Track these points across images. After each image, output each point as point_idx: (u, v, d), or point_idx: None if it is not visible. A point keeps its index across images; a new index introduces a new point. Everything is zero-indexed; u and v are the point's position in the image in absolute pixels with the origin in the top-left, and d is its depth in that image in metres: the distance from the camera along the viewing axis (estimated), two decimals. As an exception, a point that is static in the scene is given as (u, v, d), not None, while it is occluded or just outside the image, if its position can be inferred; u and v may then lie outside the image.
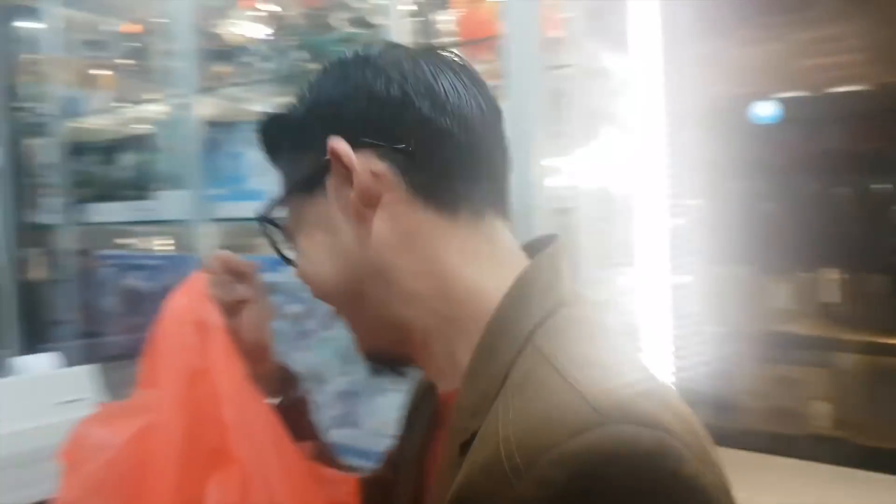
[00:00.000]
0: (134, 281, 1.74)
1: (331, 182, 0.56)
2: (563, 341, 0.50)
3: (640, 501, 0.40)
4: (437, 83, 0.56)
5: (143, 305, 1.70)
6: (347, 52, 0.59)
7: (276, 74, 1.36)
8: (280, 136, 0.61)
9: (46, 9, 1.86)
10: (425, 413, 0.66)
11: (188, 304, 0.66)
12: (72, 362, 1.41)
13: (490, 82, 1.03)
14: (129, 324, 1.76)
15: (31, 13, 1.95)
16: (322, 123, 0.57)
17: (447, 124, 0.55)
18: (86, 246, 1.90)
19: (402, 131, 0.55)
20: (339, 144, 0.55)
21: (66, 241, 1.89)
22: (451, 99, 0.56)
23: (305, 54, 1.30)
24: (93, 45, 1.85)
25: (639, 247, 1.21)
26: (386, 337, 0.60)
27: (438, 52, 0.60)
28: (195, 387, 0.62)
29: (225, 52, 1.47)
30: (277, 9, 1.41)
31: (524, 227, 0.97)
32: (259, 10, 1.43)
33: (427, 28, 1.15)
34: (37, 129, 1.99)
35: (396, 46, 0.61)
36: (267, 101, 1.50)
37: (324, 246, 0.58)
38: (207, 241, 1.54)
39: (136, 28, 1.74)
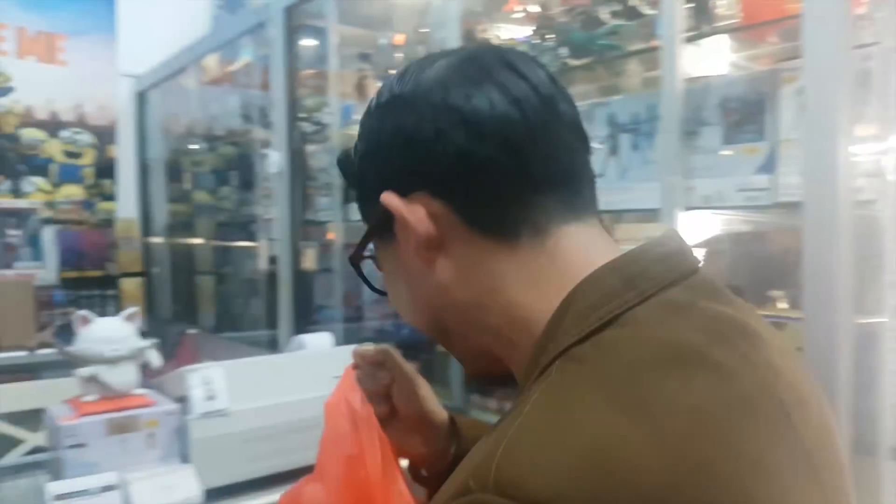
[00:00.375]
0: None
1: (397, 229, 0.56)
2: (558, 386, 0.46)
3: None
4: (470, 105, 0.52)
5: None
6: (384, 90, 0.58)
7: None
8: (348, 183, 0.63)
9: (325, 27, 2.09)
10: None
11: (342, 398, 0.76)
12: (337, 343, 1.57)
13: (768, 67, 0.96)
14: (385, 311, 1.91)
15: (310, 31, 2.21)
16: (374, 173, 0.58)
17: (487, 151, 0.52)
18: (351, 240, 2.11)
19: (444, 169, 0.53)
20: (389, 199, 0.55)
21: (336, 236, 2.11)
22: (488, 120, 0.52)
23: (566, 51, 1.32)
24: (364, 57, 2.04)
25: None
26: (481, 360, 0.61)
27: (480, 55, 0.56)
28: (352, 471, 0.70)
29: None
30: (538, 9, 1.44)
31: (823, 219, 0.90)
32: (522, 11, 1.48)
33: (702, 13, 1.10)
34: (314, 137, 2.24)
35: (430, 66, 0.56)
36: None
37: (404, 287, 0.61)
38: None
39: (401, 39, 1.88)
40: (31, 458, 1.63)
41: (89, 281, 3.25)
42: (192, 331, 3.05)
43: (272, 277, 2.62)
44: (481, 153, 0.52)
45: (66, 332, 3.13)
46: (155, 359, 1.29)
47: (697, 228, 1.15)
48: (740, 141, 1.07)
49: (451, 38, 1.56)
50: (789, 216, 1.00)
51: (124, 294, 3.21)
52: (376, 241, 0.61)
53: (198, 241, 3.28)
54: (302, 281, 2.29)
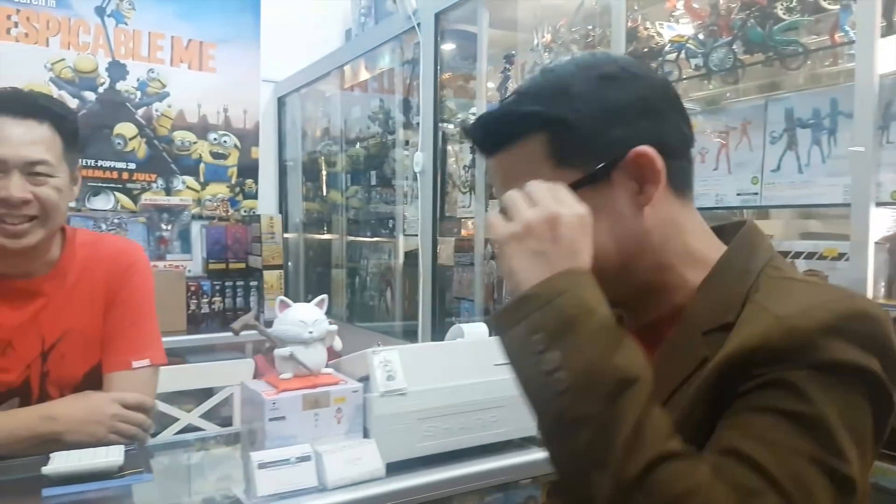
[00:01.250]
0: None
1: (618, 177, 0.71)
2: (783, 280, 0.70)
3: (876, 340, 0.61)
4: (673, 89, 0.74)
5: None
6: (607, 65, 0.74)
7: (704, 69, 1.40)
8: (566, 136, 0.72)
9: (470, 30, 2.16)
10: None
11: None
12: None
13: None
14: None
15: (454, 35, 2.29)
16: (612, 128, 0.71)
17: (682, 122, 0.74)
18: (488, 236, 2.18)
19: (671, 136, 0.72)
20: (647, 150, 0.70)
21: (475, 231, 2.18)
22: (678, 98, 0.75)
23: (738, 47, 1.32)
24: (508, 58, 2.10)
25: None
26: (624, 294, 0.74)
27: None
28: None
29: (653, 52, 1.56)
30: (704, 6, 1.45)
31: None
32: (687, 8, 1.48)
33: (892, 8, 1.08)
34: (454, 137, 2.33)
35: (623, 57, 0.80)
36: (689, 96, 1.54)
37: (605, 227, 0.71)
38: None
39: (549, 38, 1.93)
40: (180, 437, 1.79)
41: (233, 272, 3.50)
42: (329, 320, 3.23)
43: (405, 272, 2.73)
44: (684, 125, 0.75)
45: (213, 319, 3.35)
46: (338, 343, 1.40)
47: (882, 224, 1.13)
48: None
49: (617, 35, 1.59)
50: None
51: (266, 285, 3.43)
52: (587, 185, 0.71)
53: (331, 236, 3.46)
54: (440, 274, 2.38)
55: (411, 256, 2.53)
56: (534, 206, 0.67)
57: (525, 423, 1.45)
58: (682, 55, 1.49)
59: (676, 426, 0.61)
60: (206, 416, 2.15)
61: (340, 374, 1.38)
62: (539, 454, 1.35)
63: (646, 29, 1.56)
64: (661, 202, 0.71)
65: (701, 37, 1.45)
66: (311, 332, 1.31)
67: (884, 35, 1.06)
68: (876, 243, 1.09)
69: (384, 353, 1.36)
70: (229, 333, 2.83)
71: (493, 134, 0.77)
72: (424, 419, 1.35)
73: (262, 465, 1.21)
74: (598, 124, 0.71)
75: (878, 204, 1.08)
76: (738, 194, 1.35)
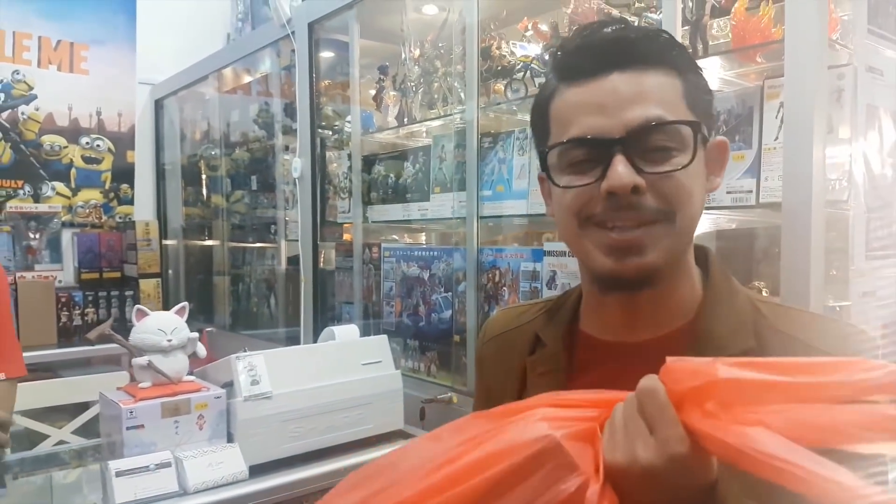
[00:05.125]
0: (409, 269, 2.02)
1: (700, 149, 0.70)
2: (779, 307, 0.76)
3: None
4: None
5: (417, 289, 1.97)
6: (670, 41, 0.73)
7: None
8: (694, 92, 0.73)
9: (345, 40, 2.21)
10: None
11: None
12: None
13: (755, 84, 1.12)
14: (404, 305, 2.04)
15: (331, 44, 2.33)
16: (713, 108, 0.76)
17: None
18: (369, 240, 2.23)
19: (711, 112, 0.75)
20: (728, 143, 0.77)
21: (354, 236, 2.23)
22: None
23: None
24: (382, 69, 2.16)
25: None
26: (679, 254, 0.73)
27: None
28: None
29: (503, 71, 1.66)
30: (546, 28, 1.57)
31: (802, 220, 1.02)
32: (535, 30, 1.60)
33: (697, 36, 1.23)
34: (334, 144, 2.36)
35: None
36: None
37: (699, 185, 0.72)
38: (475, 235, 1.75)
39: (417, 53, 2.00)
40: (48, 451, 1.73)
41: (107, 282, 3.37)
42: (209, 329, 3.17)
43: (288, 277, 2.73)
44: None
45: (86, 331, 3.21)
46: (201, 350, 1.42)
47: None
48: (731, 149, 1.20)
49: (470, 53, 1.69)
50: (771, 215, 1.13)
51: (142, 294, 3.32)
52: (701, 143, 0.72)
53: (213, 242, 3.40)
54: (321, 279, 2.41)
55: (294, 262, 2.54)
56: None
57: (391, 417, 1.53)
58: (528, 74, 1.61)
59: None
60: (84, 432, 2.08)
61: (205, 382, 1.40)
62: (399, 448, 1.41)
63: (498, 48, 1.66)
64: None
65: (546, 57, 1.58)
66: (169, 341, 1.31)
67: (699, 58, 1.20)
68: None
69: (249, 358, 1.38)
70: (105, 345, 2.74)
71: (635, 47, 0.70)
72: (290, 420, 1.39)
73: (119, 474, 1.21)
74: (709, 98, 0.75)
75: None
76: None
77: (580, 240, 0.73)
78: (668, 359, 0.55)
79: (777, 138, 1.11)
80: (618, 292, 0.74)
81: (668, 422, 0.52)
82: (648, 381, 0.55)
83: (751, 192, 1.14)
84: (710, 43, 1.25)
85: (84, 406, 2.47)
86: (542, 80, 1.59)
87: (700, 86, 0.73)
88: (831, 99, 1.06)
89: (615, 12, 1.41)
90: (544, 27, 1.60)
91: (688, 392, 0.52)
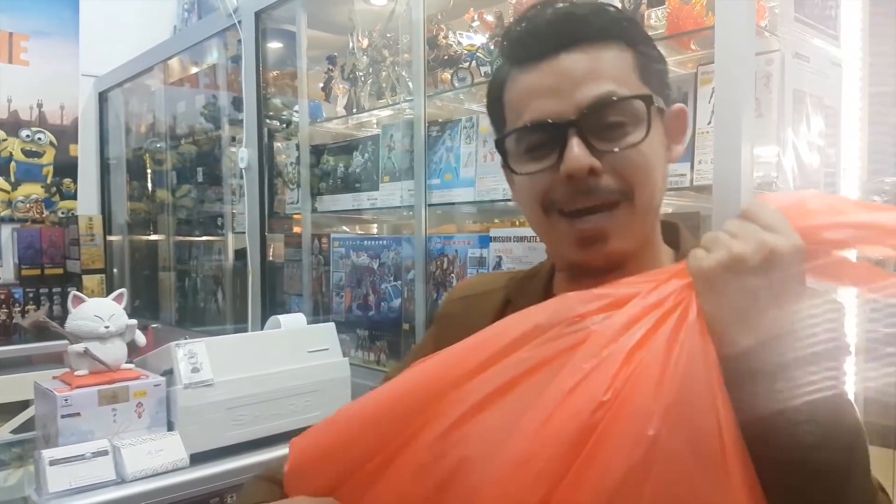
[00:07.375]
0: (359, 258, 2.01)
1: (656, 121, 0.70)
2: None
3: None
4: None
5: (367, 279, 1.97)
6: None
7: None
8: (646, 63, 0.72)
9: (293, 30, 2.20)
10: None
11: None
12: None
13: (689, 70, 1.15)
14: (353, 295, 2.03)
15: (279, 34, 2.31)
16: (667, 77, 0.75)
17: None
18: (318, 231, 2.22)
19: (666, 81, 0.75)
20: (687, 110, 0.76)
21: (303, 228, 2.21)
22: None
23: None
24: (330, 59, 2.15)
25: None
26: (639, 239, 0.73)
27: None
28: None
29: (450, 60, 1.67)
30: (492, 18, 1.59)
31: (732, 202, 1.06)
32: (481, 20, 1.62)
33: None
34: (282, 134, 2.34)
35: None
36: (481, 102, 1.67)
37: (658, 164, 0.71)
38: (423, 224, 1.75)
39: (366, 43, 2.00)
40: None
41: (49, 278, 3.27)
42: (154, 325, 3.11)
43: (236, 271, 2.69)
44: None
45: (23, 330, 3.11)
46: (140, 338, 1.39)
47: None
48: (667, 134, 1.24)
49: (416, 43, 1.70)
50: (705, 199, 1.17)
51: (86, 290, 3.23)
52: (656, 113, 0.71)
53: (159, 237, 3.33)
54: (270, 272, 2.38)
55: (242, 255, 2.51)
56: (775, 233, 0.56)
57: (338, 404, 1.51)
58: (474, 63, 1.63)
59: None
60: (24, 430, 2.01)
61: (144, 370, 1.37)
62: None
63: (444, 38, 1.68)
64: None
65: (492, 46, 1.59)
66: (107, 327, 1.29)
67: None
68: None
69: (189, 346, 1.36)
70: (48, 342, 2.66)
71: (582, 24, 0.69)
72: (234, 408, 1.37)
73: (53, 462, 1.18)
74: (663, 67, 0.74)
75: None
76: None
77: (547, 230, 0.74)
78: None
79: (710, 122, 1.15)
80: (588, 279, 0.72)
81: (786, 222, 0.56)
82: (755, 200, 0.61)
83: (684, 175, 1.18)
84: (649, 33, 1.28)
85: (24, 405, 2.39)
86: (488, 68, 1.63)
87: (653, 56, 0.73)
88: (760, 83, 1.10)
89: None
90: (490, 17, 1.62)
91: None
